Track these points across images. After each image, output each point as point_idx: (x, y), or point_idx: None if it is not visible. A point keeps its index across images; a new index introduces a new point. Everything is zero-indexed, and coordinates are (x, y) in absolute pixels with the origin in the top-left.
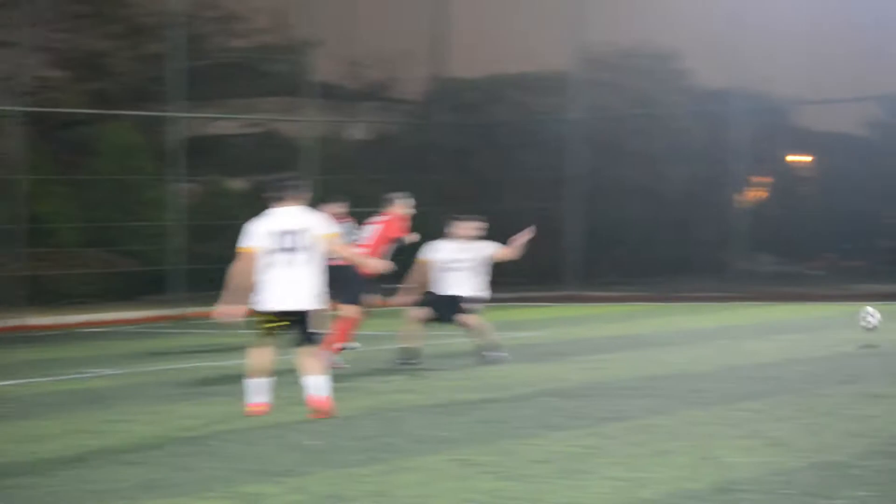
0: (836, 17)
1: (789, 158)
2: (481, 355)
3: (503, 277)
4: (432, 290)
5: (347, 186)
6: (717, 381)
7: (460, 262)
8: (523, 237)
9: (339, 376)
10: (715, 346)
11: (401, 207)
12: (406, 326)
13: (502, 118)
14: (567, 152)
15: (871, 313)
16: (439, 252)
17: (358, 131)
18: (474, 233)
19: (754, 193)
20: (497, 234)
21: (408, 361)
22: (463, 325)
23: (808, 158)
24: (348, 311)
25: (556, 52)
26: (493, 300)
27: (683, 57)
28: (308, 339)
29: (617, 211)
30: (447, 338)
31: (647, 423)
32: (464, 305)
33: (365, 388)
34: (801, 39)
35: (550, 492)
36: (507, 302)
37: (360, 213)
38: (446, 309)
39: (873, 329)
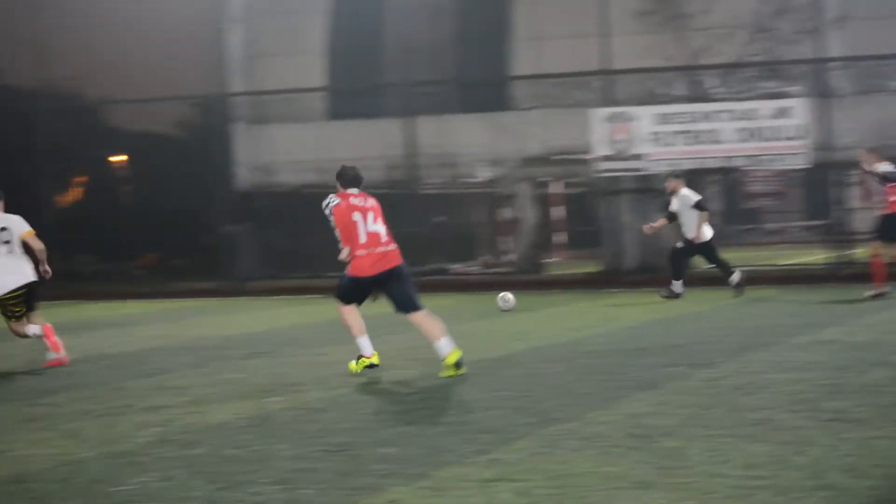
0: (134, 16)
1: (103, 157)
2: None
3: None
4: None
5: None
6: (17, 379)
7: None
8: None
9: None
10: (21, 344)
11: None
12: None
13: None
14: None
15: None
16: None
17: None
18: None
19: (69, 194)
20: None
21: None
22: None
23: (124, 158)
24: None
25: None
26: None
27: None
28: None
29: None
30: None
31: None
32: None
33: None
34: (111, 37)
35: None
36: None
37: None
38: None
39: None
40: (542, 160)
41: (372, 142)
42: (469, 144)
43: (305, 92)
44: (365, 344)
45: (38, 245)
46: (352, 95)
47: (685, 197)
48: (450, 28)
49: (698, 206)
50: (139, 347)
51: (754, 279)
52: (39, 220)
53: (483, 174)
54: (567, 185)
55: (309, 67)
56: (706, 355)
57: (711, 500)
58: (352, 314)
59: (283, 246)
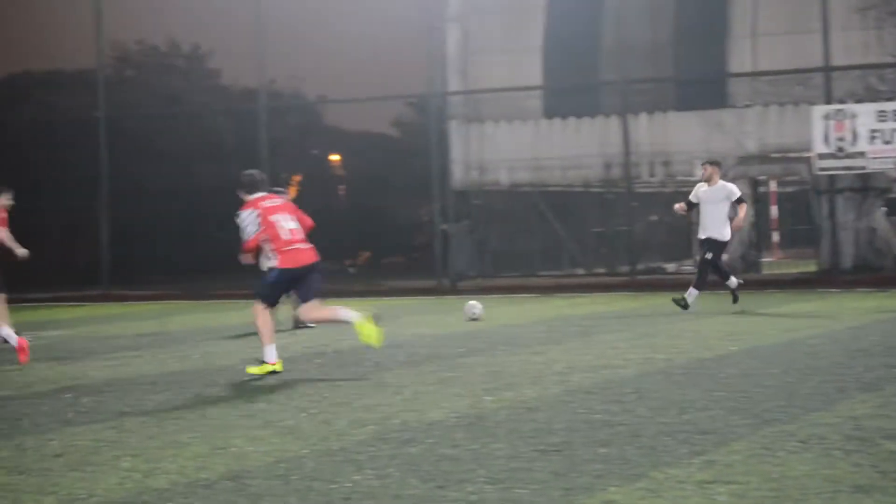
0: (352, 17)
1: (319, 155)
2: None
3: (38, 277)
4: None
5: None
6: (236, 375)
7: None
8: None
9: None
10: (240, 341)
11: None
12: None
13: (28, 117)
14: (97, 151)
15: (474, 305)
16: None
17: None
18: None
19: (287, 192)
20: (27, 234)
21: None
22: None
23: (338, 157)
24: None
25: (81, 50)
26: (26, 300)
27: (212, 55)
28: None
29: (149, 209)
30: None
31: (164, 417)
32: None
33: None
34: (330, 37)
35: (61, 484)
36: (41, 302)
37: None
38: None
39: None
40: (759, 158)
41: (587, 140)
42: (685, 142)
43: (521, 90)
44: (272, 352)
45: None
46: (568, 93)
47: (723, 189)
48: (667, 25)
49: (741, 200)
50: (355, 345)
51: None
52: None
53: (699, 172)
54: (780, 183)
55: (525, 65)
56: None
57: None
58: (268, 320)
59: (497, 244)
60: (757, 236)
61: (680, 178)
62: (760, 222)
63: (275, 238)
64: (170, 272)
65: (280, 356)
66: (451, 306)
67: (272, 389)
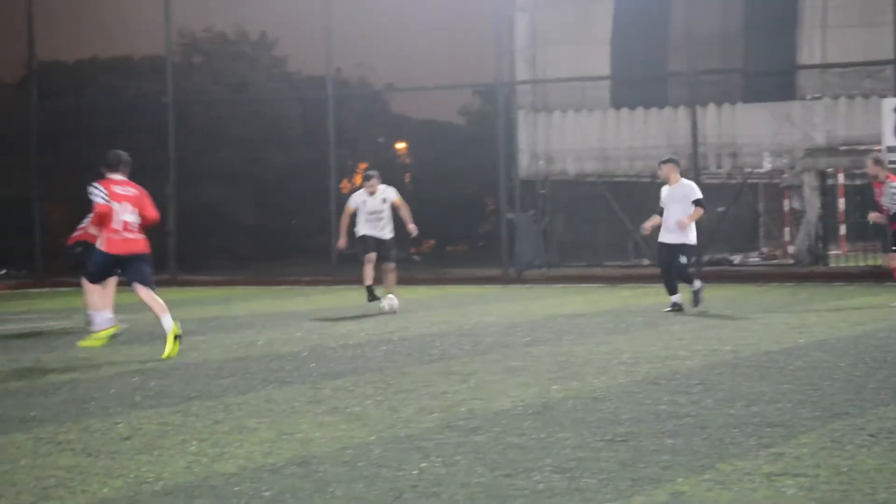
0: (420, 5)
1: (385, 143)
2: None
3: None
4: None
5: None
6: (302, 361)
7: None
8: None
9: None
10: (306, 327)
11: None
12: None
13: (98, 102)
14: (165, 137)
15: (391, 299)
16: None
17: None
18: None
19: (354, 179)
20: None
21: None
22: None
23: (404, 145)
24: None
25: (151, 36)
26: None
27: (280, 43)
28: None
29: (217, 195)
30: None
31: (231, 401)
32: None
33: None
34: (394, 27)
35: (129, 467)
36: None
37: None
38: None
39: (392, 312)
40: (828, 151)
41: (654, 131)
42: (753, 134)
43: (589, 80)
44: (102, 318)
45: None
46: (636, 84)
47: (682, 187)
48: (736, 16)
49: (698, 203)
50: (421, 333)
51: None
52: (326, 206)
53: (767, 164)
54: (848, 175)
55: (593, 55)
56: None
57: None
58: (96, 291)
59: (562, 234)
60: (824, 229)
61: (747, 169)
62: (828, 215)
63: (105, 224)
64: (236, 258)
65: (346, 343)
66: (516, 295)
67: (338, 376)
